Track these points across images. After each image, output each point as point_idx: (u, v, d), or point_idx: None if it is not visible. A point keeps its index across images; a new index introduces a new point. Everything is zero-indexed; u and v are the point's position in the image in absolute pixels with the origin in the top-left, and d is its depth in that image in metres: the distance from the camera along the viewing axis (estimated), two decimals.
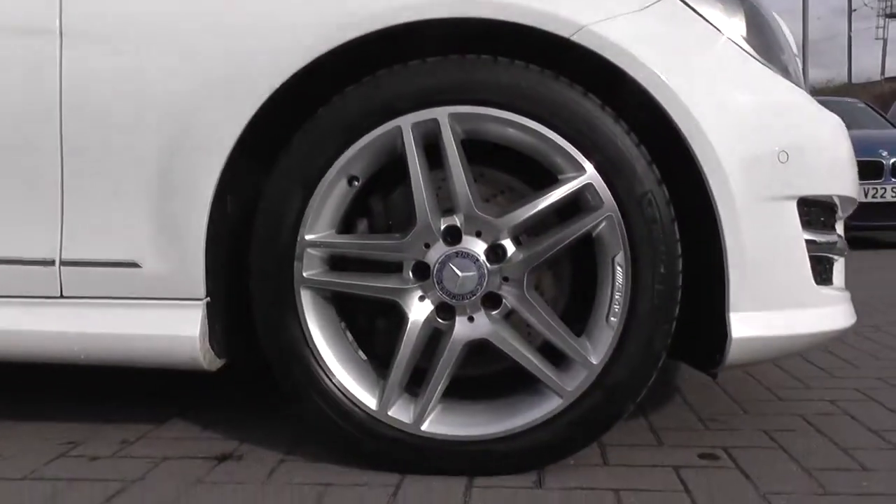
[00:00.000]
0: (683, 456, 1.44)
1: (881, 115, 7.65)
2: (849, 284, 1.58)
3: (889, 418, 1.67)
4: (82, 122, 1.38)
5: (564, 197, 1.30)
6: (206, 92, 1.34)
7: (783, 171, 1.33)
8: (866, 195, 5.93)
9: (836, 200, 1.49)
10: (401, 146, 1.31)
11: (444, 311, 1.33)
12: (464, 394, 1.39)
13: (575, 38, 1.29)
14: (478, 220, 1.31)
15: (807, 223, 1.39)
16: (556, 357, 1.34)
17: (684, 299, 1.31)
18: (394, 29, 1.29)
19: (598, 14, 1.29)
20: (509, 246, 1.32)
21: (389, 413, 1.33)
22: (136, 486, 1.32)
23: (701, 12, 1.36)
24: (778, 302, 1.35)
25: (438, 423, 1.33)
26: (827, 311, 1.44)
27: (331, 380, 1.34)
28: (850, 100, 8.24)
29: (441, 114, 1.30)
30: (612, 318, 1.29)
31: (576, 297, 1.46)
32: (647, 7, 1.33)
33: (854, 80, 30.80)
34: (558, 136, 1.29)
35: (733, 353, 1.33)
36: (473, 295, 1.31)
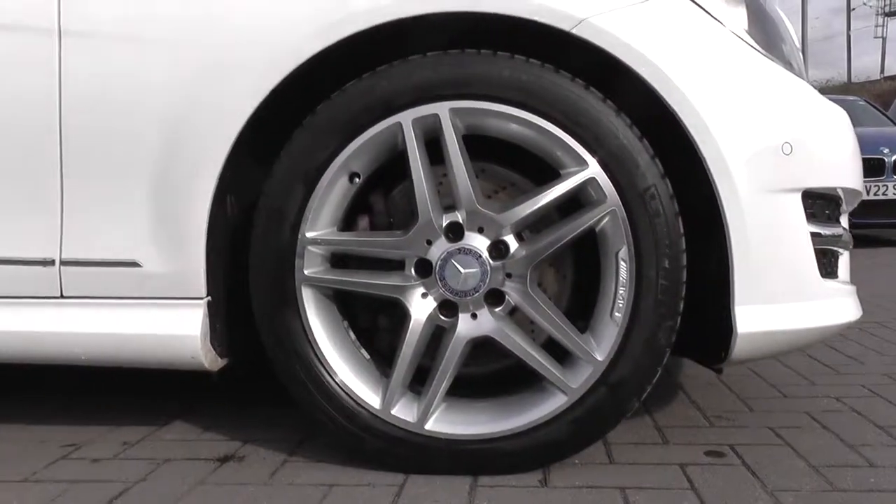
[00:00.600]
0: (689, 453, 1.42)
1: (882, 112, 7.64)
2: (852, 281, 1.57)
3: (895, 414, 1.66)
4: (81, 122, 1.37)
5: (567, 192, 1.28)
6: (204, 90, 1.33)
7: (787, 164, 1.32)
8: (868, 193, 5.93)
9: (841, 193, 1.48)
10: (401, 142, 1.30)
11: (447, 308, 1.32)
12: (467, 392, 1.38)
13: (575, 32, 1.28)
14: (480, 216, 1.30)
15: (811, 216, 1.38)
16: (559, 354, 1.33)
17: (688, 294, 1.30)
18: (396, 23, 1.28)
19: (598, 7, 1.28)
20: (512, 242, 1.30)
21: (393, 412, 1.31)
22: (138, 487, 1.31)
23: (702, 5, 1.35)
24: (783, 296, 1.33)
25: (442, 422, 1.31)
26: (832, 305, 1.42)
27: (333, 379, 1.33)
28: (850, 98, 8.22)
29: (442, 109, 1.29)
30: (617, 314, 1.28)
31: (579, 294, 1.45)
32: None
33: (853, 80, 30.77)
34: (560, 131, 1.27)
35: (739, 349, 1.31)
36: (476, 292, 1.29)
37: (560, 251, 1.33)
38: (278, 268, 1.32)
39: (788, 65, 1.46)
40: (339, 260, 1.38)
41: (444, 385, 1.31)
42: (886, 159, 6.06)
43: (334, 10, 1.29)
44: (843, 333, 2.47)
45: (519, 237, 1.32)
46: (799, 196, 1.33)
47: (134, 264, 1.38)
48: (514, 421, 1.30)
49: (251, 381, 2.01)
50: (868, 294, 2.49)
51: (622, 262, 1.28)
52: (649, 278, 1.27)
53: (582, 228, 1.28)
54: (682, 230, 1.28)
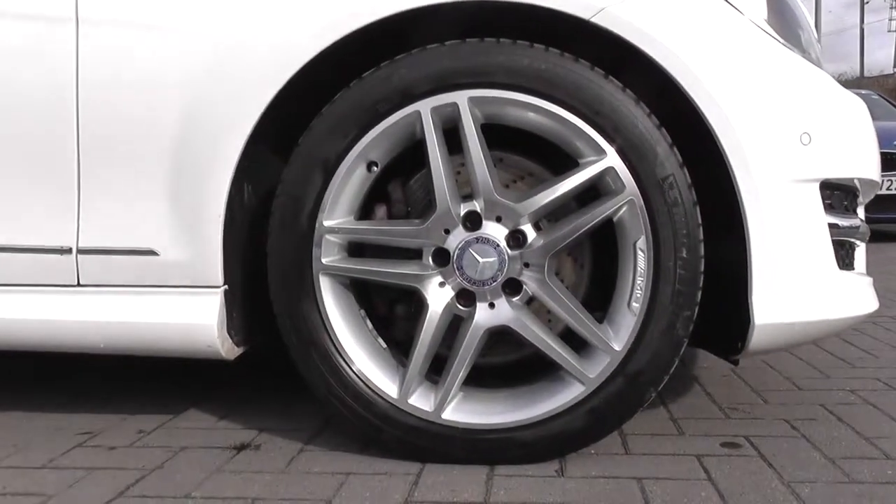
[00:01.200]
0: (705, 445, 1.42)
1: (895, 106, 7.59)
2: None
3: None
4: (98, 110, 1.37)
5: (585, 181, 1.28)
6: (223, 76, 1.33)
7: (805, 154, 1.31)
8: (881, 187, 5.87)
9: (858, 184, 1.47)
10: (420, 131, 1.30)
11: (465, 297, 1.32)
12: (484, 382, 1.38)
13: (595, 20, 1.27)
14: (498, 205, 1.29)
15: (829, 207, 1.37)
16: (576, 344, 1.32)
17: (705, 285, 1.30)
18: (414, 12, 1.28)
19: None
20: (530, 231, 1.30)
21: (410, 401, 1.31)
22: (155, 475, 1.31)
23: None
24: (801, 287, 1.33)
25: (459, 412, 1.31)
26: (850, 297, 1.42)
27: (350, 368, 1.33)
28: (864, 91, 8.16)
29: (461, 98, 1.28)
30: (634, 304, 1.28)
31: (596, 284, 1.45)
32: None
33: (866, 74, 30.51)
34: (579, 120, 1.27)
35: (756, 340, 1.31)
36: (494, 281, 1.29)
37: (578, 241, 1.32)
38: (296, 256, 1.32)
39: (807, 54, 1.45)
40: (357, 249, 1.38)
41: (462, 374, 1.31)
42: None
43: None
44: (856, 327, 2.46)
45: (536, 227, 1.32)
46: (817, 186, 1.33)
47: (151, 252, 1.38)
48: (530, 411, 1.30)
49: (266, 370, 2.02)
50: (881, 289, 2.46)
51: (640, 252, 1.27)
52: (667, 268, 1.26)
53: (600, 218, 1.28)
54: (700, 220, 1.28)
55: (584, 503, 1.18)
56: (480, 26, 1.34)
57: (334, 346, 1.33)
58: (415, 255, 1.33)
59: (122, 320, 1.40)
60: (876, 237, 6.11)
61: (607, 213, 1.27)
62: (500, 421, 1.30)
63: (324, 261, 1.32)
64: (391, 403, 1.32)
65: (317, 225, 1.31)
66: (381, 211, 1.40)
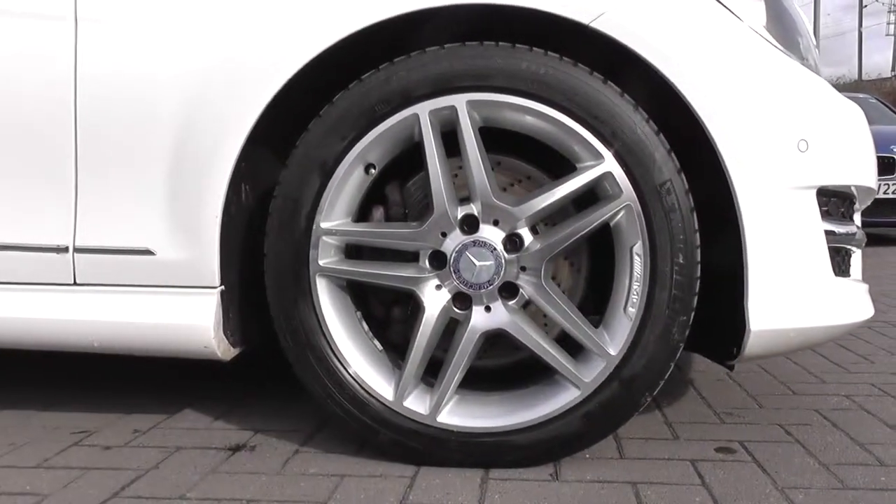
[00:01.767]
0: (700, 449, 1.42)
1: (893, 111, 7.60)
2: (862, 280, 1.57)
3: None
4: (96, 109, 1.37)
5: (583, 186, 1.28)
6: (222, 76, 1.33)
7: (803, 161, 1.31)
8: (878, 191, 5.88)
9: (855, 191, 1.47)
10: (418, 134, 1.30)
11: (461, 300, 1.32)
12: (480, 385, 1.38)
13: (594, 25, 1.27)
14: (495, 208, 1.29)
15: (826, 213, 1.38)
16: (572, 348, 1.33)
17: (701, 290, 1.30)
18: (414, 14, 1.28)
19: (617, 0, 1.28)
20: (526, 235, 1.30)
21: (405, 404, 1.32)
22: (150, 475, 1.31)
23: (721, 0, 1.34)
24: (796, 293, 1.33)
25: (454, 415, 1.32)
26: (845, 303, 1.42)
27: (346, 370, 1.33)
28: (861, 95, 8.18)
29: (459, 101, 1.28)
30: (631, 309, 1.28)
31: (593, 288, 1.45)
32: None
33: (864, 77, 30.54)
34: (577, 124, 1.27)
35: (751, 346, 1.31)
36: (490, 284, 1.29)
37: (575, 245, 1.32)
38: (293, 258, 1.32)
39: (805, 61, 1.45)
40: (354, 251, 1.38)
41: (457, 378, 1.31)
42: None
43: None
44: (852, 332, 2.46)
45: (534, 230, 1.32)
46: (814, 193, 1.33)
47: (147, 252, 1.38)
48: (526, 414, 1.30)
49: (262, 370, 2.02)
50: (876, 293, 2.48)
51: (637, 257, 1.28)
52: (664, 273, 1.27)
53: (597, 223, 1.28)
54: (696, 226, 1.28)
55: None
56: (479, 30, 1.34)
57: (330, 348, 1.33)
58: (412, 257, 1.33)
59: (118, 320, 1.40)
60: (872, 241, 6.13)
61: (604, 217, 1.28)
62: (495, 424, 1.30)
63: (321, 262, 1.32)
64: (387, 406, 1.32)
65: (314, 227, 1.31)
66: (378, 213, 1.40)
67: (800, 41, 1.51)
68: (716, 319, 1.39)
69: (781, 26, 1.45)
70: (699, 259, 1.28)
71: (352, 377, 1.33)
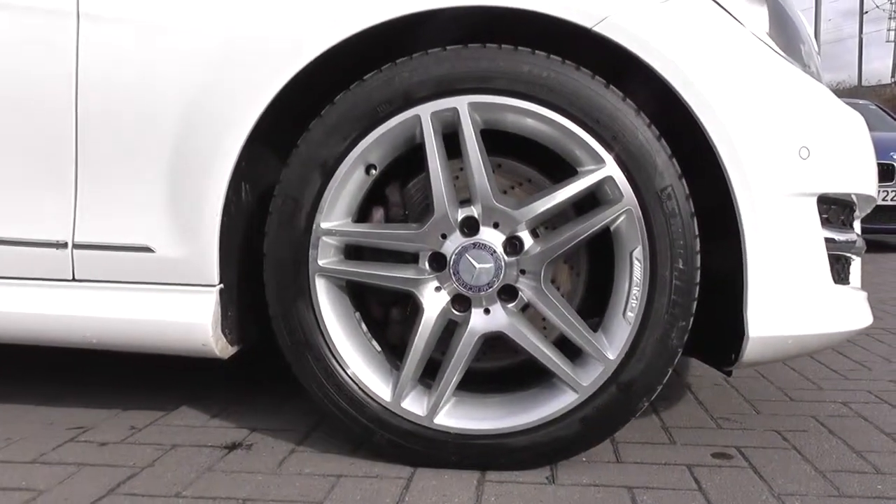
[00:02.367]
0: (696, 454, 1.42)
1: (893, 117, 7.61)
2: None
3: None
4: (98, 104, 1.37)
5: (584, 190, 1.28)
6: (224, 74, 1.33)
7: (804, 168, 1.31)
8: (878, 198, 5.88)
9: (855, 199, 1.47)
10: (419, 135, 1.30)
11: (460, 302, 1.32)
12: (477, 387, 1.38)
13: (597, 29, 1.27)
14: (496, 211, 1.29)
15: (826, 221, 1.38)
16: (570, 351, 1.33)
17: (699, 295, 1.30)
18: (415, 17, 1.28)
19: (620, 4, 1.28)
20: (527, 238, 1.30)
21: (403, 405, 1.31)
22: (146, 472, 1.31)
23: (724, 5, 1.34)
24: (796, 300, 1.33)
25: (452, 416, 1.31)
26: (844, 311, 1.42)
27: (345, 370, 1.33)
28: (862, 102, 8.18)
29: (461, 103, 1.28)
30: (630, 314, 1.28)
31: (592, 292, 1.45)
32: None
33: (864, 83, 30.52)
34: (579, 128, 1.27)
35: (750, 352, 1.31)
36: (490, 287, 1.29)
37: (575, 249, 1.32)
38: (292, 257, 1.32)
39: (807, 67, 1.45)
40: (353, 251, 1.38)
41: (455, 379, 1.31)
42: None
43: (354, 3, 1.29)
44: (849, 339, 2.46)
45: (534, 234, 1.32)
46: (814, 201, 1.33)
47: (147, 249, 1.37)
48: (523, 417, 1.30)
49: (259, 368, 2.01)
50: (875, 300, 2.48)
51: (636, 262, 1.28)
52: (663, 278, 1.27)
53: (597, 227, 1.28)
54: (696, 231, 1.28)
55: None
56: (480, 32, 1.34)
57: (329, 348, 1.33)
58: (411, 258, 1.33)
59: (116, 316, 1.39)
60: (871, 248, 6.13)
61: (605, 222, 1.28)
62: (492, 427, 1.30)
63: (320, 262, 1.31)
64: (384, 407, 1.32)
65: (314, 226, 1.31)
66: (378, 214, 1.40)
67: (802, 48, 1.51)
68: (714, 325, 1.39)
69: (784, 32, 1.45)
70: (699, 265, 1.28)
71: (350, 378, 1.33)
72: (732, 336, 1.33)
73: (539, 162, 1.41)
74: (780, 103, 1.32)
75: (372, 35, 1.30)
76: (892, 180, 6.08)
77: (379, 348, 1.40)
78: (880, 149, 5.89)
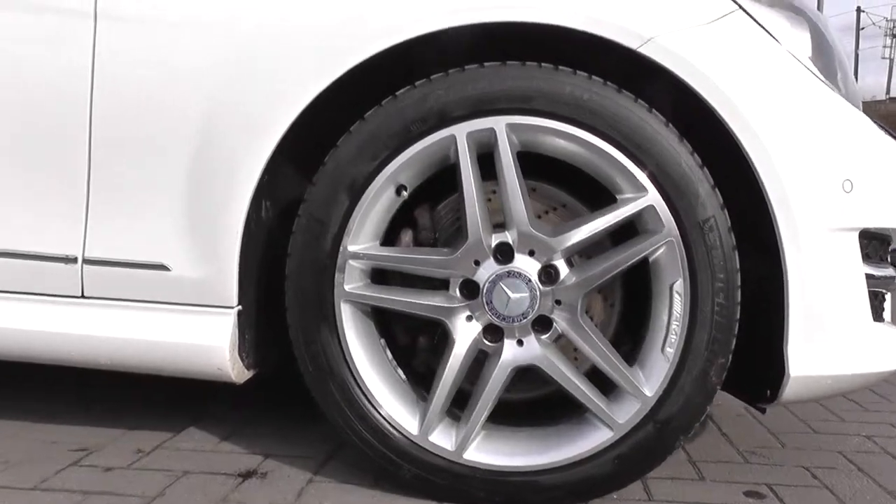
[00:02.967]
0: (728, 493, 1.38)
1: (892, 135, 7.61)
2: None
3: None
4: (114, 112, 1.31)
5: (624, 218, 1.23)
6: (247, 87, 1.27)
7: (847, 202, 1.27)
8: None
9: (894, 234, 1.43)
10: (454, 155, 1.25)
11: (492, 332, 1.26)
12: (505, 419, 1.32)
13: (642, 51, 1.22)
14: (532, 238, 1.24)
15: (865, 256, 1.33)
16: (603, 384, 1.27)
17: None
18: (458, 30, 1.22)
19: (666, 26, 1.23)
20: (563, 267, 1.25)
21: (430, 438, 1.25)
22: (156, 503, 1.25)
23: (768, 29, 1.29)
24: (837, 339, 1.28)
25: (481, 451, 1.26)
26: (882, 350, 1.38)
27: (369, 400, 1.26)
28: None
29: (498, 124, 1.23)
30: (668, 349, 1.23)
31: (625, 323, 1.39)
32: (716, 21, 1.26)
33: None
34: (620, 154, 1.22)
35: (789, 391, 1.27)
36: (524, 318, 1.24)
37: (611, 280, 1.27)
38: (317, 281, 1.26)
39: (845, 94, 1.41)
40: (379, 275, 1.32)
41: (486, 413, 1.25)
42: None
43: (401, 13, 1.23)
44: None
45: (569, 262, 1.27)
46: (856, 236, 1.29)
47: (162, 267, 1.31)
48: (555, 454, 1.24)
49: (269, 387, 1.95)
50: None
51: (677, 296, 1.22)
52: (704, 313, 1.22)
53: (637, 258, 1.23)
54: (738, 265, 1.23)
55: None
56: (510, 48, 1.28)
57: (353, 376, 1.26)
58: (441, 285, 1.27)
59: (127, 336, 1.33)
60: None
61: (644, 252, 1.22)
62: (523, 463, 1.25)
63: (346, 287, 1.25)
64: (411, 440, 1.26)
65: (341, 249, 1.25)
66: (406, 236, 1.34)
67: (839, 73, 1.47)
68: (750, 360, 1.34)
69: (825, 58, 1.41)
70: (739, 300, 1.23)
71: (375, 408, 1.27)
72: (769, 372, 1.28)
73: (574, 185, 1.36)
74: (825, 134, 1.28)
75: (399, 55, 1.24)
76: None
77: (404, 377, 1.34)
78: None
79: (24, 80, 1.33)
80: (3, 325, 1.36)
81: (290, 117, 1.25)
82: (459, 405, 1.29)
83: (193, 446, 1.51)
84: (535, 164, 1.31)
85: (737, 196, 1.26)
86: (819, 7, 17.36)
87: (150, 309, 1.32)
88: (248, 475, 1.37)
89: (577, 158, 1.26)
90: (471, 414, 1.25)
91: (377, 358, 1.30)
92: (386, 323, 1.37)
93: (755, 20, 1.28)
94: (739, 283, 1.23)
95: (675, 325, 1.23)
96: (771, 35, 1.29)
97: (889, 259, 1.48)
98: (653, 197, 1.22)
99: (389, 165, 1.25)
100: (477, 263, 1.25)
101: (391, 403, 1.27)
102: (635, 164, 1.22)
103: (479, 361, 1.29)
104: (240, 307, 1.30)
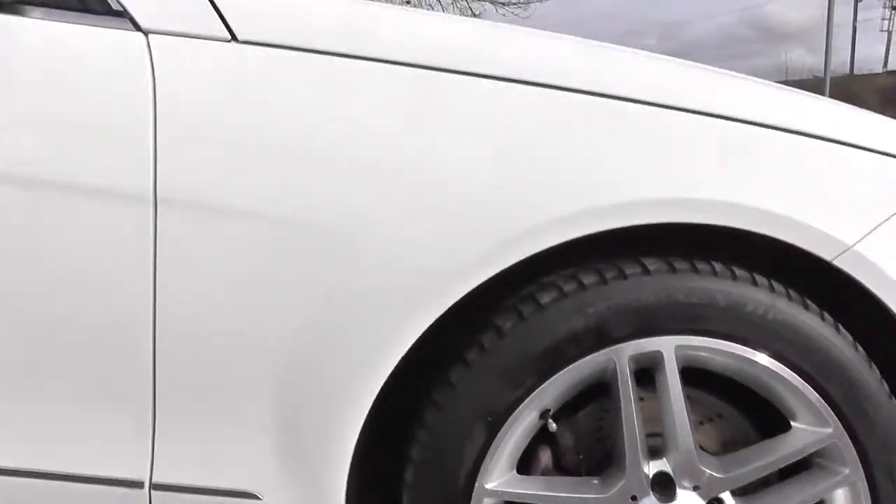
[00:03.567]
0: None
1: None
2: None
3: None
4: (183, 311, 1.04)
5: (800, 450, 1.08)
6: (361, 288, 1.02)
7: None
8: None
9: None
10: (609, 376, 1.05)
11: None
12: None
13: (837, 263, 1.04)
14: (696, 471, 1.07)
15: None
16: None
17: None
18: (629, 230, 1.01)
19: (858, 229, 1.05)
20: (729, 501, 1.10)
21: None
22: None
23: None
24: None
25: None
26: None
27: None
28: None
29: (666, 346, 1.04)
30: None
31: None
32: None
33: (855, 72, 30.02)
34: (802, 381, 1.06)
35: None
36: None
37: None
38: None
39: None
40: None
41: None
42: None
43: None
44: None
45: (732, 492, 1.11)
46: None
47: (250, 496, 1.08)
48: None
49: None
50: None
51: None
52: None
53: (815, 500, 1.09)
54: None
55: None
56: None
57: None
58: None
59: None
60: None
61: (821, 495, 1.09)
62: None
63: None
64: None
65: (475, 487, 1.06)
66: (545, 457, 1.15)
67: None
68: None
69: None
70: None
71: None
72: None
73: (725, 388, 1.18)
74: None
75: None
76: None
77: None
78: None
79: (79, 283, 1.04)
80: None
81: (431, 317, 1.02)
82: None
83: None
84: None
85: None
86: None
87: None
88: None
89: (748, 379, 1.09)
90: None
91: None
92: None
93: None
94: None
95: None
96: None
97: None
98: (837, 433, 1.07)
99: (535, 392, 1.05)
100: (634, 499, 1.08)
101: None
102: (819, 393, 1.06)
103: None
104: None
